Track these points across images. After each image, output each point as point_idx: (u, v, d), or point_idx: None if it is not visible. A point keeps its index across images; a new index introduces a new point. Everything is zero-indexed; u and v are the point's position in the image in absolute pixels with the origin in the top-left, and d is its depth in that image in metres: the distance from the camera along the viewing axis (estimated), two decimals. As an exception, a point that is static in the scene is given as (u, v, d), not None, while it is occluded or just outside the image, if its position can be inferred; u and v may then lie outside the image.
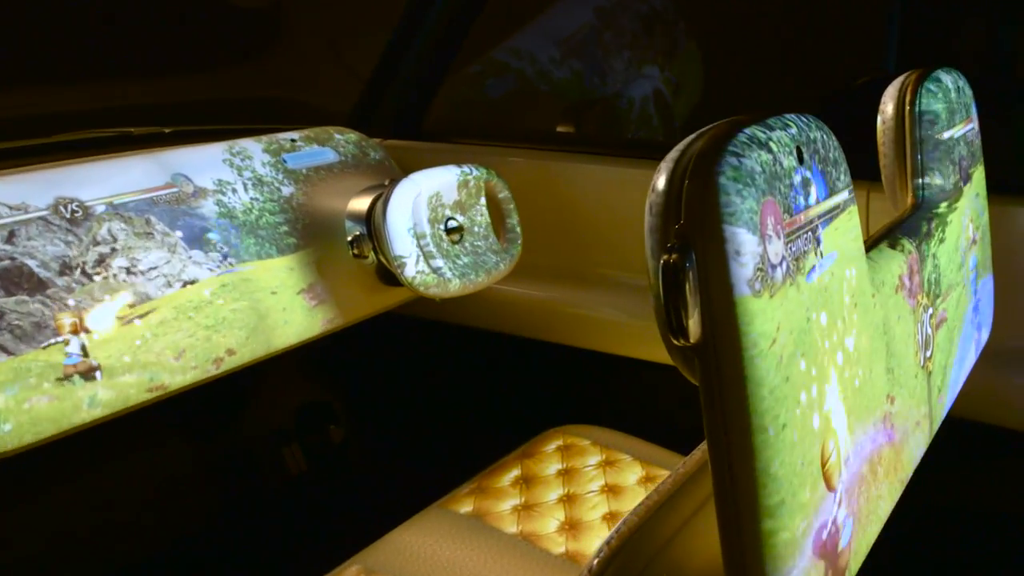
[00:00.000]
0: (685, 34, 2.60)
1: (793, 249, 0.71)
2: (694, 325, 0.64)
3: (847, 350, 0.81)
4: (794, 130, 0.75)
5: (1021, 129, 1.52)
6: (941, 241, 1.14)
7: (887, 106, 1.22)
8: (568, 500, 1.59)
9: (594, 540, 1.50)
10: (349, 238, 1.63)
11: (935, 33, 1.55)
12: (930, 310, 1.08)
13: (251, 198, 1.55)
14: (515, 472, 1.66)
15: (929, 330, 1.06)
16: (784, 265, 0.69)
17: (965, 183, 1.25)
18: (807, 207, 0.75)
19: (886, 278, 0.95)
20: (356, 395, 2.30)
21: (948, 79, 1.23)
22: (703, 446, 0.84)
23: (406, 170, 1.81)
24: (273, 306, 1.49)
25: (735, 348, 0.64)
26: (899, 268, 0.99)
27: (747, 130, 0.69)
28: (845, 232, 0.82)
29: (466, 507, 1.57)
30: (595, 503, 1.59)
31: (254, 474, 2.07)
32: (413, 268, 1.53)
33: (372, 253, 1.63)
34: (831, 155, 0.81)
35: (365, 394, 2.32)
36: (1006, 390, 1.52)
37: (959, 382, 1.21)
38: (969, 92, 1.29)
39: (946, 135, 1.19)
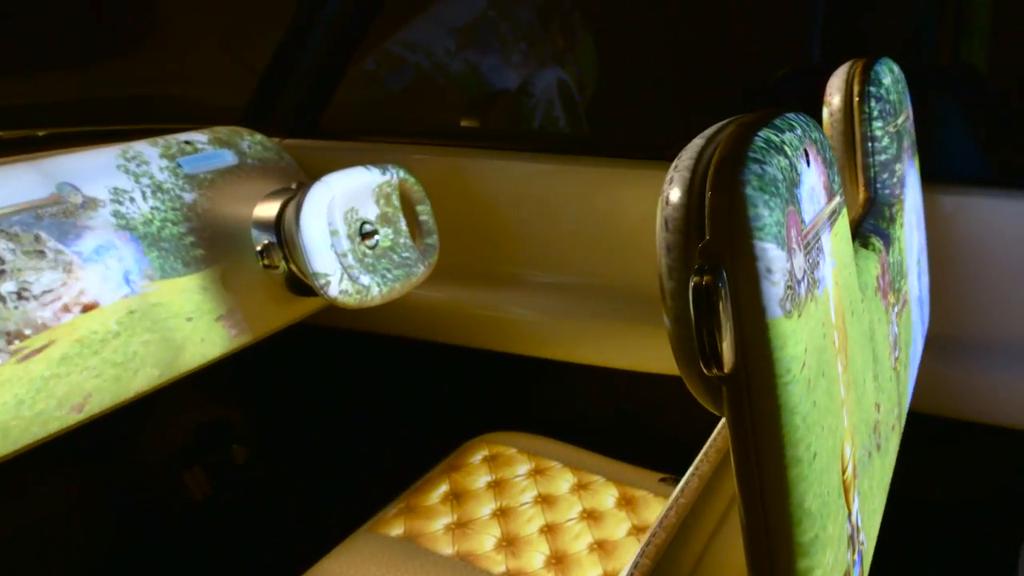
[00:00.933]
0: (581, 25, 2.56)
1: (810, 261, 0.66)
2: (728, 352, 0.58)
3: (847, 363, 0.77)
4: (799, 131, 0.69)
5: (945, 117, 1.53)
6: (897, 237, 1.12)
7: (834, 97, 1.19)
8: (502, 514, 1.52)
9: (534, 556, 1.43)
10: (258, 248, 1.51)
11: (858, 21, 1.54)
12: (896, 308, 1.05)
13: (151, 207, 1.41)
14: (443, 487, 1.58)
15: (896, 329, 1.04)
16: (805, 280, 0.64)
17: (908, 174, 1.24)
18: (816, 214, 0.70)
19: (868, 280, 0.92)
20: (260, 411, 2.17)
21: (889, 69, 1.21)
22: (709, 452, 0.78)
23: (308, 171, 1.70)
24: (190, 336, 1.37)
25: (769, 375, 0.58)
26: (875, 268, 0.96)
27: (762, 133, 0.63)
28: (842, 237, 0.78)
29: (396, 529, 1.48)
30: (530, 516, 1.52)
31: (154, 503, 1.92)
32: (336, 287, 1.43)
33: (283, 263, 1.52)
34: (827, 154, 0.76)
35: (270, 410, 2.20)
36: (947, 380, 1.53)
37: (914, 376, 1.20)
38: (904, 82, 1.28)
39: (893, 126, 1.17)
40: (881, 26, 1.53)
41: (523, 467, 1.65)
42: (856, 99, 1.17)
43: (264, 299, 1.54)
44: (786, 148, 0.64)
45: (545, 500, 1.56)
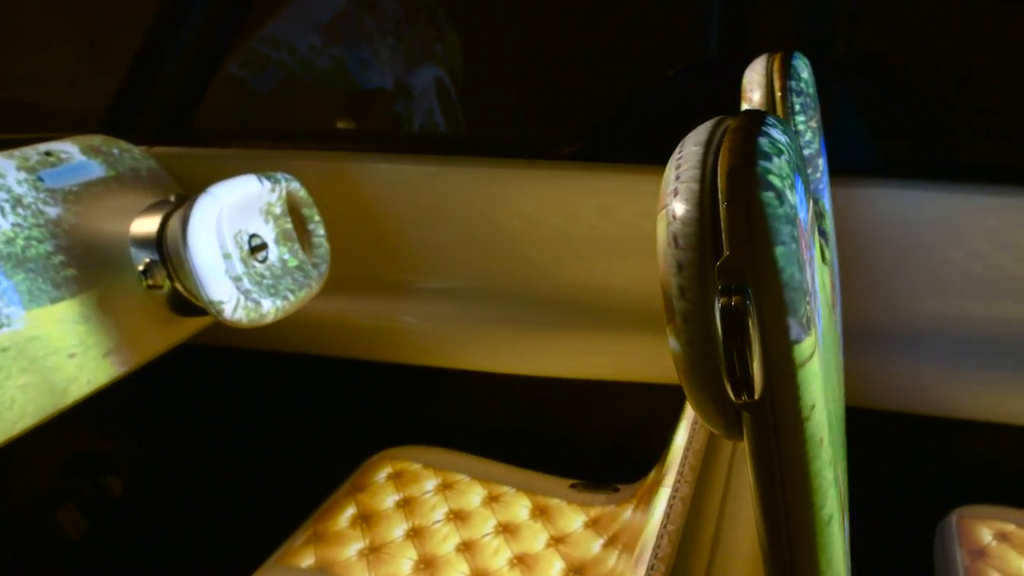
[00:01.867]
0: (447, 20, 2.50)
1: (811, 274, 0.63)
2: (759, 376, 0.54)
3: (827, 374, 0.75)
4: (782, 132, 0.66)
5: (843, 110, 1.55)
6: (830, 234, 1.12)
7: (754, 93, 1.17)
8: (416, 535, 1.46)
9: (454, 576, 1.38)
10: (140, 267, 1.40)
11: (756, 14, 1.54)
12: (837, 309, 1.05)
13: (12, 224, 1.28)
14: (350, 510, 1.51)
15: (840, 333, 1.04)
16: (814, 295, 0.61)
17: (825, 169, 1.24)
18: (807, 222, 0.67)
19: (827, 292, 0.91)
20: (138, 439, 2.02)
21: (804, 62, 1.21)
22: (684, 469, 0.75)
23: (181, 181, 1.59)
24: (75, 376, 1.24)
25: (794, 400, 0.55)
26: (830, 279, 0.95)
27: (762, 137, 0.60)
28: (818, 244, 0.76)
29: (307, 559, 1.40)
30: (445, 534, 1.47)
31: (25, 545, 1.75)
32: (231, 312, 1.33)
33: (167, 282, 1.41)
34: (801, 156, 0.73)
35: (149, 438, 2.05)
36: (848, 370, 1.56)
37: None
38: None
39: (815, 120, 1.17)
40: (777, 19, 1.54)
41: (430, 482, 1.59)
42: (779, 94, 1.16)
43: (147, 322, 1.43)
44: (784, 153, 0.61)
45: (458, 516, 1.51)
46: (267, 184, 1.47)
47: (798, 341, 0.54)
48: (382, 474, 1.60)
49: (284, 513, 1.54)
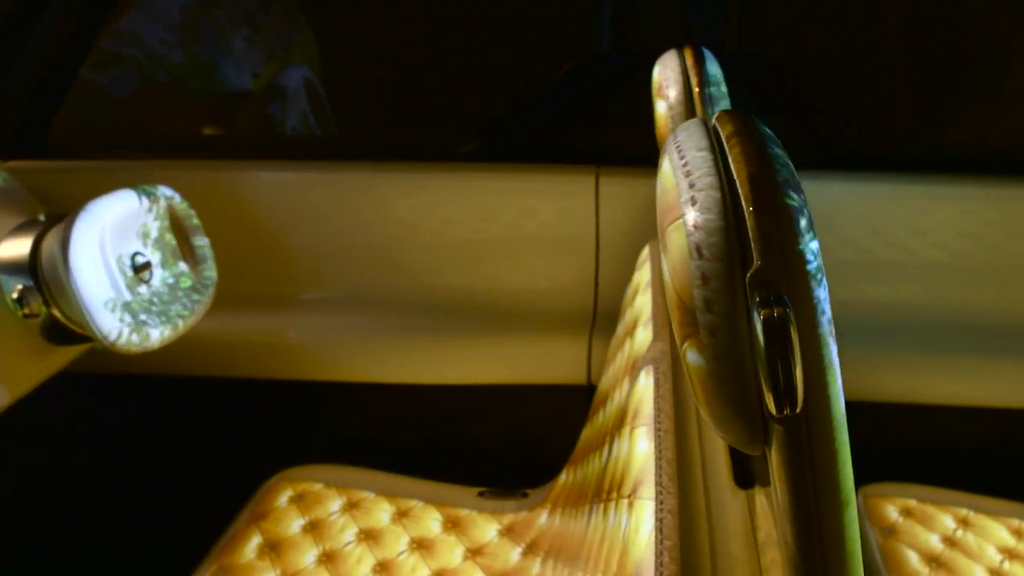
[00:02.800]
0: (298, 17, 2.41)
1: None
2: (801, 387, 0.52)
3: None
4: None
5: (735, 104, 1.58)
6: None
7: (670, 89, 1.17)
8: (328, 559, 1.40)
9: (374, 600, 1.33)
10: (14, 295, 1.28)
11: (645, 11, 1.55)
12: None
13: None
14: (255, 539, 1.43)
15: None
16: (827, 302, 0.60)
17: None
18: None
19: None
20: (10, 476, 1.86)
21: (712, 57, 1.22)
22: (663, 482, 0.73)
23: (39, 198, 1.47)
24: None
25: (827, 412, 0.53)
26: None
27: (771, 140, 0.58)
28: None
29: (216, 597, 1.32)
30: (358, 556, 1.41)
31: None
32: (120, 339, 1.23)
33: (44, 309, 1.29)
34: None
35: (24, 474, 1.89)
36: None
37: None
38: None
39: None
40: (666, 16, 1.55)
41: (335, 502, 1.53)
42: (696, 89, 1.17)
43: (22, 353, 1.31)
44: (784, 156, 0.60)
45: (369, 536, 1.46)
46: (146, 200, 1.37)
47: (830, 348, 0.53)
48: (283, 498, 1.53)
49: (181, 547, 1.44)
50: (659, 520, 0.71)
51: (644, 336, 1.14)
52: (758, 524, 0.75)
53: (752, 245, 0.51)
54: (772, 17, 1.68)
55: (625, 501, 0.82)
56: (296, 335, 1.73)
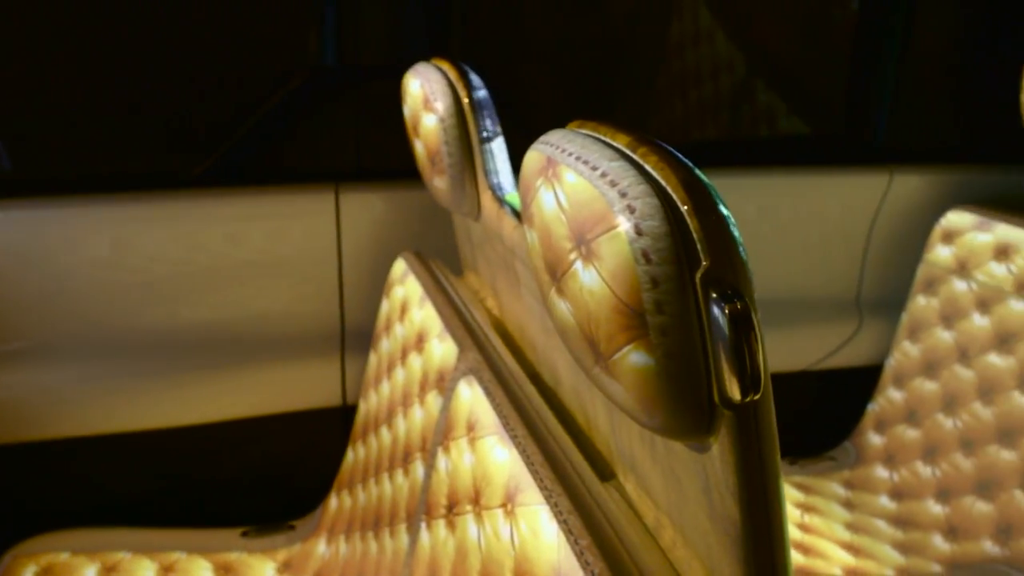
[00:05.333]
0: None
1: None
2: (763, 371, 0.56)
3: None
4: None
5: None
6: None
7: (438, 103, 1.19)
8: (98, 633, 1.27)
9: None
10: None
11: (365, 26, 1.55)
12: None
13: None
14: (4, 627, 1.27)
15: None
16: None
17: None
18: None
19: None
20: None
21: (469, 68, 1.25)
22: (554, 496, 0.75)
23: None
24: None
25: (768, 396, 0.59)
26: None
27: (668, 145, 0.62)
28: None
29: None
30: (131, 623, 1.30)
31: None
32: None
33: None
34: None
35: None
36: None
37: None
38: None
39: (494, 124, 1.22)
40: (388, 28, 1.56)
41: (88, 570, 1.39)
42: (465, 100, 1.19)
43: None
44: None
45: (137, 599, 1.34)
46: None
47: (763, 334, 0.57)
48: (26, 575, 1.36)
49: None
50: (563, 522, 0.73)
51: (445, 349, 1.16)
52: (641, 511, 0.80)
53: (698, 246, 0.55)
54: (494, 27, 1.75)
55: (498, 512, 0.84)
56: (8, 393, 1.53)
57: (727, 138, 2.23)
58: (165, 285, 1.54)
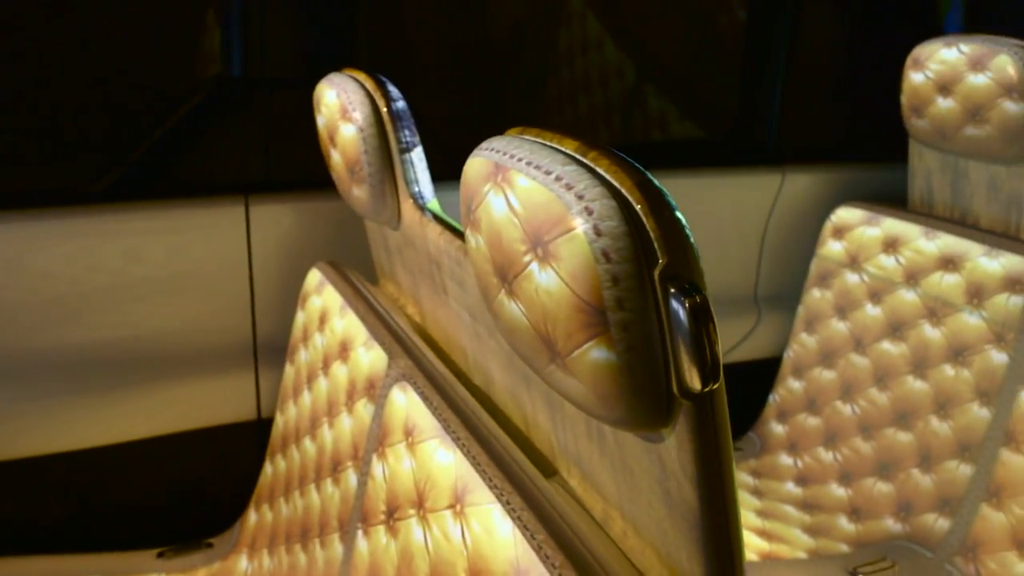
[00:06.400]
0: None
1: None
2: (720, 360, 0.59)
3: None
4: None
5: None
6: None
7: (356, 112, 1.19)
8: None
9: None
10: None
11: (271, 38, 1.53)
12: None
13: None
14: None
15: None
16: None
17: None
18: None
19: None
20: None
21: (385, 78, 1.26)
22: (511, 503, 0.77)
23: None
24: None
25: (722, 384, 0.62)
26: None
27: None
28: None
29: None
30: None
31: None
32: None
33: None
34: None
35: None
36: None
37: None
38: None
39: (416, 136, 1.22)
40: (294, 39, 1.55)
41: (-3, 602, 1.33)
42: (384, 109, 1.20)
43: None
44: None
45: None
46: None
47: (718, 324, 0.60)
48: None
49: None
50: (517, 518, 0.75)
51: (373, 356, 1.16)
52: (589, 505, 0.82)
53: (655, 244, 0.58)
54: (399, 37, 1.76)
55: (446, 513, 0.85)
56: None
57: (621, 143, 2.28)
58: (62, 304, 1.49)
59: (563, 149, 0.66)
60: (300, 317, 1.47)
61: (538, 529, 0.74)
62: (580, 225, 0.59)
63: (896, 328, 1.68)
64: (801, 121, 2.02)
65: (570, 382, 0.65)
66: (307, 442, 1.34)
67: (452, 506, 0.85)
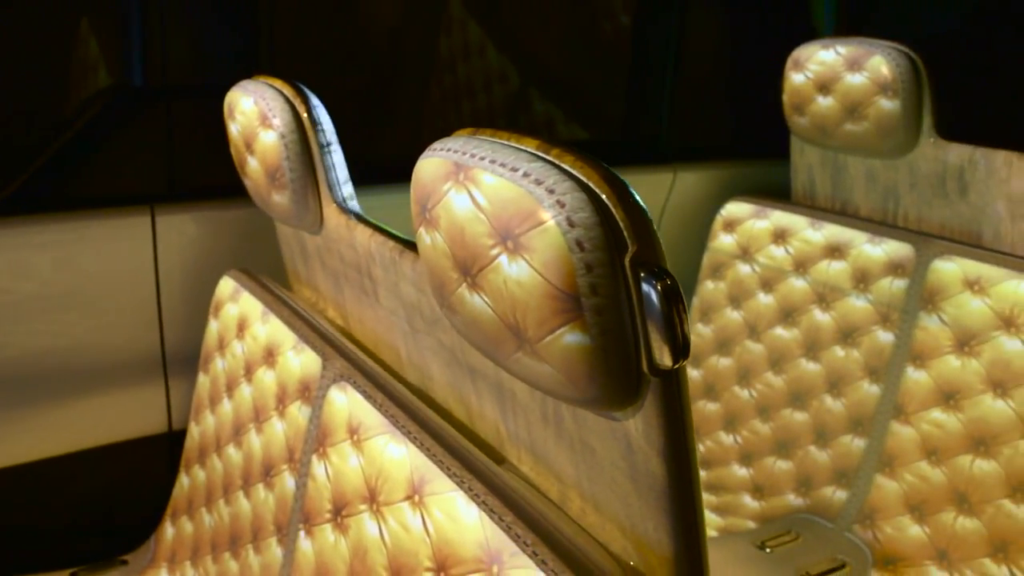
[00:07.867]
0: None
1: None
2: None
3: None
4: None
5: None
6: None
7: (276, 119, 1.19)
8: None
9: None
10: None
11: (177, 43, 1.51)
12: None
13: None
14: None
15: None
16: None
17: None
18: None
19: None
20: None
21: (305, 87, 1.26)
22: (483, 500, 0.79)
23: None
24: None
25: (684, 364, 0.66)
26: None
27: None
28: None
29: None
30: None
31: None
32: None
33: None
34: None
35: None
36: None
37: None
38: None
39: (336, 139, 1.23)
40: (196, 45, 1.52)
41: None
42: (304, 115, 1.21)
43: None
44: None
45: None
46: None
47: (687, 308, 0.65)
48: None
49: None
50: (482, 503, 0.77)
51: (305, 359, 1.16)
52: (544, 488, 0.86)
53: (624, 232, 0.62)
54: (301, 44, 1.75)
55: (402, 505, 0.86)
56: None
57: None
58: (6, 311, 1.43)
59: (524, 148, 0.69)
60: (214, 326, 1.46)
61: (504, 512, 0.77)
62: (553, 217, 0.63)
63: (788, 314, 1.78)
64: (690, 121, 2.11)
65: (540, 367, 0.68)
66: (231, 450, 1.33)
67: (409, 497, 0.87)
